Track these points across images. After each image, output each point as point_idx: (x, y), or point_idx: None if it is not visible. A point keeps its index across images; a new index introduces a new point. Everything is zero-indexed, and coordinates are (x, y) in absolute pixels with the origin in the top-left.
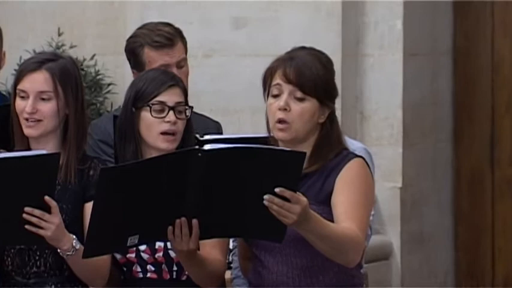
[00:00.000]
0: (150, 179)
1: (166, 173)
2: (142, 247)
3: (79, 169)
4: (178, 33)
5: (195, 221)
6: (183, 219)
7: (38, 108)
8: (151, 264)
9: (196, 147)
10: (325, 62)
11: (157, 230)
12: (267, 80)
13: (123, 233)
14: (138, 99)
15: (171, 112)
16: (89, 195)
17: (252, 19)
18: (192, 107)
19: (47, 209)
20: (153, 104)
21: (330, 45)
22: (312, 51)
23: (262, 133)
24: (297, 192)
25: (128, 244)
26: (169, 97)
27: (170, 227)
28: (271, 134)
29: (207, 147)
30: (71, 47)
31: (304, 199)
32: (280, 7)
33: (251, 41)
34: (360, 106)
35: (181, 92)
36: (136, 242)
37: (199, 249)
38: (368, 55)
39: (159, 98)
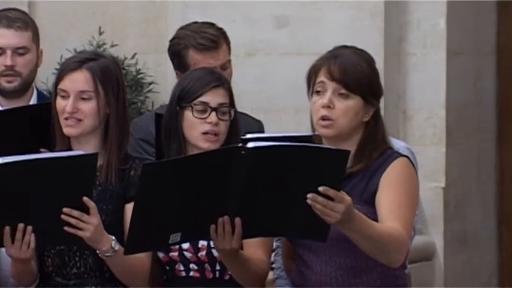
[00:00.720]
0: (193, 176)
1: (209, 171)
2: (185, 246)
3: (120, 169)
4: (222, 34)
5: (237, 220)
6: (226, 217)
7: (78, 107)
8: (194, 263)
9: (240, 145)
10: (369, 61)
11: (200, 228)
12: (311, 77)
13: (165, 230)
14: (182, 98)
15: (213, 113)
16: (129, 195)
17: (294, 18)
18: (236, 109)
19: (86, 210)
20: (195, 105)
21: (373, 44)
22: (356, 50)
23: (305, 133)
24: (341, 191)
25: (170, 241)
26: (213, 98)
27: (213, 225)
28: (315, 132)
29: (250, 145)
30: (112, 45)
31: (348, 198)
32: (323, 5)
33: (293, 40)
34: (402, 105)
35: (226, 92)
36: (178, 239)
37: (242, 249)
38: (411, 54)
39: (202, 99)
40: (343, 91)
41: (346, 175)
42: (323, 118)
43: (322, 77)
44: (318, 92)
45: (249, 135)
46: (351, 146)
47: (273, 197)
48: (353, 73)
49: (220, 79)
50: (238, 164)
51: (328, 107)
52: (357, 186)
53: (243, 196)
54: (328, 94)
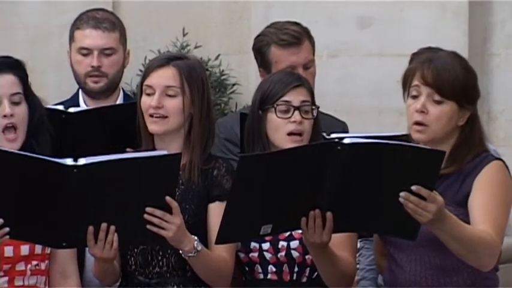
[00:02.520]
0: (288, 169)
1: (303, 164)
2: (266, 246)
3: (203, 169)
4: (306, 32)
5: (329, 214)
6: (317, 211)
7: (163, 103)
8: (273, 264)
9: (336, 140)
10: (465, 65)
11: (291, 220)
12: (407, 80)
13: (258, 221)
14: (263, 101)
15: (297, 112)
16: (212, 195)
17: (377, 18)
18: (318, 107)
19: (169, 209)
20: (278, 105)
21: (456, 45)
22: (452, 53)
23: (399, 132)
24: (434, 191)
25: (261, 233)
26: (295, 97)
27: (304, 218)
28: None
29: (346, 140)
30: (196, 47)
31: (440, 198)
32: (406, 6)
33: (376, 41)
34: (486, 106)
35: (307, 91)
36: (269, 231)
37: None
38: (495, 54)
39: (284, 98)
40: (436, 97)
41: (439, 176)
42: (417, 123)
43: (416, 81)
44: (413, 96)
45: (334, 135)
46: (446, 148)
47: (365, 193)
48: (447, 78)
49: (300, 79)
50: (333, 158)
51: (422, 112)
52: (450, 188)
53: (336, 190)
54: (422, 99)
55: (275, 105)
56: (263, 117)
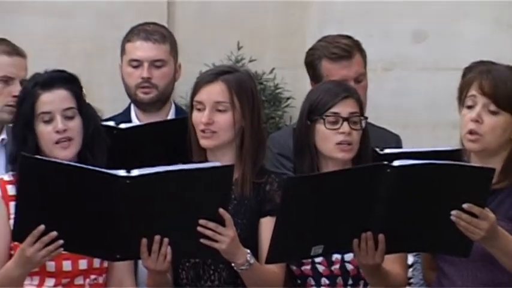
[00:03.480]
0: (337, 190)
1: (353, 186)
2: (319, 259)
3: (256, 183)
4: (357, 45)
5: (381, 236)
6: (369, 233)
7: (214, 119)
8: (327, 277)
9: (385, 162)
10: None
11: (343, 242)
12: (463, 90)
13: (308, 242)
14: (312, 111)
15: (345, 123)
16: (265, 210)
17: (432, 32)
18: (366, 118)
19: (222, 222)
20: (326, 116)
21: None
22: (509, 66)
23: (451, 147)
24: (485, 208)
25: (312, 253)
26: (343, 108)
27: (356, 240)
28: (463, 146)
29: (396, 163)
30: (250, 60)
31: (492, 215)
32: (461, 19)
33: (431, 55)
34: None
35: (355, 102)
36: (320, 251)
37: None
38: None
39: (333, 110)
40: (492, 107)
41: (491, 191)
42: (470, 132)
43: (473, 91)
44: (468, 106)
45: (387, 150)
46: (498, 162)
47: (416, 213)
48: (504, 89)
49: (348, 90)
50: (383, 181)
51: (477, 121)
52: (503, 203)
53: (387, 212)
54: (478, 108)
55: (324, 117)
56: (311, 128)
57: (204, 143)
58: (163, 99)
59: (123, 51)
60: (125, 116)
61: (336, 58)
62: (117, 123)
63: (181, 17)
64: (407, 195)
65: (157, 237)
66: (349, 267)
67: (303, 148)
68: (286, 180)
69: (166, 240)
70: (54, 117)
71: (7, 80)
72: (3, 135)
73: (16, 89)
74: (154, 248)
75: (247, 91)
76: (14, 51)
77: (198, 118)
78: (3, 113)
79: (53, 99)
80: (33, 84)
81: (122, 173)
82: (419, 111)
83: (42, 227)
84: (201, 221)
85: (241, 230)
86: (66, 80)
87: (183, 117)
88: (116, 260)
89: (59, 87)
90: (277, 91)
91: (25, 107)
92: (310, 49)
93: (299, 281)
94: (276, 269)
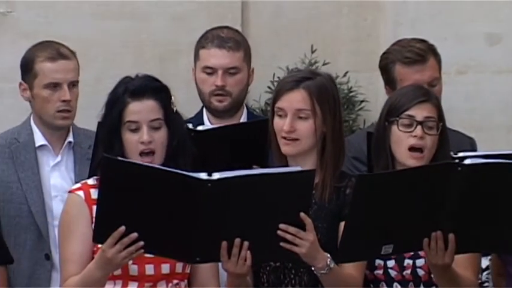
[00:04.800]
0: (408, 189)
1: (423, 185)
2: (391, 264)
3: (336, 187)
4: (431, 49)
5: (451, 236)
6: (439, 233)
7: (295, 127)
8: (399, 282)
9: (456, 161)
10: None
11: (413, 241)
12: None
13: (378, 241)
14: (389, 113)
15: (419, 127)
16: (344, 214)
17: (507, 35)
18: (444, 124)
19: (302, 226)
20: (401, 118)
21: None
22: None
23: None
24: None
25: (382, 252)
26: (419, 112)
27: (426, 239)
28: None
29: (467, 161)
30: (324, 64)
31: None
32: None
33: (506, 58)
34: None
35: (433, 107)
36: (390, 251)
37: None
38: None
39: (408, 112)
40: None
41: None
42: None
43: None
44: None
45: (461, 154)
46: None
47: (487, 212)
48: None
49: (427, 94)
50: (454, 180)
51: None
52: None
53: (458, 211)
54: None
55: (398, 118)
56: (388, 129)
57: (285, 150)
58: (237, 106)
59: (196, 56)
60: (198, 120)
61: (410, 62)
62: (195, 126)
63: (255, 21)
64: (478, 194)
65: (237, 241)
66: (421, 272)
67: (380, 149)
68: (358, 178)
69: (246, 243)
70: (141, 127)
71: (55, 86)
72: (70, 138)
73: (64, 93)
74: (234, 252)
75: (329, 97)
76: (59, 55)
77: (280, 125)
78: (57, 119)
79: (141, 109)
80: (123, 90)
81: (203, 176)
82: (494, 114)
83: (122, 228)
84: (282, 226)
85: (321, 234)
86: (157, 90)
87: (262, 120)
88: (195, 263)
89: (148, 97)
90: (351, 94)
91: (113, 112)
92: (384, 53)
93: (372, 286)
94: (354, 273)
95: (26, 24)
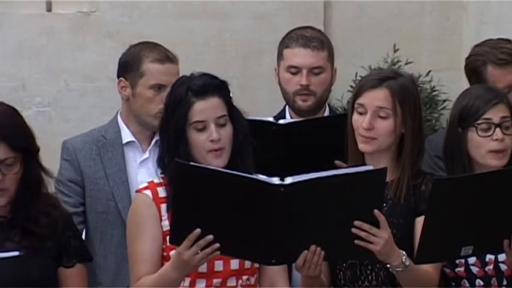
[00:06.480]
0: (486, 191)
1: (502, 187)
2: (472, 260)
3: (412, 184)
4: None
5: None
6: None
7: (375, 125)
8: (481, 278)
9: None
10: None
11: (493, 242)
12: None
13: (457, 243)
14: (463, 118)
15: (498, 129)
16: (419, 209)
17: None
18: None
19: (376, 223)
20: (478, 124)
21: None
22: None
23: None
24: None
25: (462, 254)
26: (495, 114)
27: (506, 240)
28: None
29: None
30: (407, 63)
31: None
32: None
33: None
34: None
35: (506, 107)
36: (470, 252)
37: None
38: None
39: (485, 116)
40: None
41: None
42: None
43: None
44: None
45: None
46: None
47: None
48: None
49: (499, 95)
50: None
51: None
52: None
53: None
54: None
55: (476, 124)
56: (463, 135)
57: (363, 147)
58: (320, 105)
59: (280, 56)
60: (280, 118)
61: (503, 64)
62: (276, 119)
63: (338, 20)
64: None
65: (313, 247)
66: (503, 267)
67: (454, 154)
68: (434, 182)
69: (319, 249)
70: (208, 126)
71: (159, 88)
72: (158, 137)
73: None
74: (309, 257)
75: (410, 98)
76: (167, 58)
77: (359, 122)
78: (156, 120)
79: (207, 108)
80: (185, 91)
81: (275, 181)
82: None
83: (198, 231)
84: (356, 223)
85: (397, 230)
86: (218, 87)
87: (342, 114)
88: (271, 265)
89: (212, 94)
90: (434, 93)
91: (177, 114)
92: (473, 55)
93: (453, 283)
94: (430, 270)
95: (110, 24)
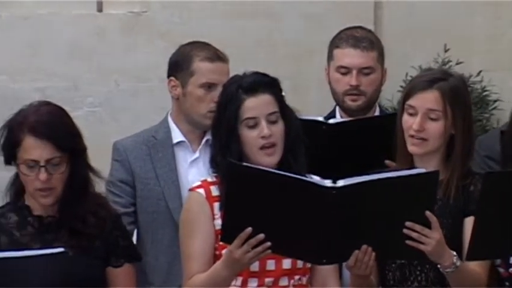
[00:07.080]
0: None
1: None
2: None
3: (461, 185)
4: None
5: None
6: None
7: (425, 126)
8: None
9: None
10: None
11: None
12: None
13: (510, 240)
14: None
15: None
16: (468, 210)
17: None
18: None
19: (428, 224)
20: None
21: None
22: None
23: None
24: None
25: None
26: None
27: None
28: None
29: None
30: (457, 63)
31: None
32: None
33: None
34: None
35: None
36: None
37: None
38: None
39: None
40: None
41: None
42: None
43: None
44: None
45: None
46: None
47: None
48: None
49: None
50: None
51: None
52: None
53: None
54: None
55: None
56: None
57: (412, 149)
58: (370, 105)
59: (330, 56)
60: (331, 118)
61: None
62: (326, 119)
63: (388, 20)
64: None
65: (364, 247)
66: None
67: None
68: (485, 175)
69: (370, 249)
70: (259, 123)
71: (210, 86)
72: (208, 136)
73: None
74: (360, 257)
75: (460, 100)
76: (217, 57)
77: (409, 123)
78: (207, 119)
79: (258, 104)
80: (236, 89)
81: (327, 183)
82: None
83: (249, 229)
84: (408, 223)
85: (447, 230)
86: (269, 84)
87: (391, 114)
88: (322, 264)
89: (263, 91)
90: (485, 93)
91: (229, 111)
92: None
93: (507, 283)
94: (479, 269)
95: (161, 24)
